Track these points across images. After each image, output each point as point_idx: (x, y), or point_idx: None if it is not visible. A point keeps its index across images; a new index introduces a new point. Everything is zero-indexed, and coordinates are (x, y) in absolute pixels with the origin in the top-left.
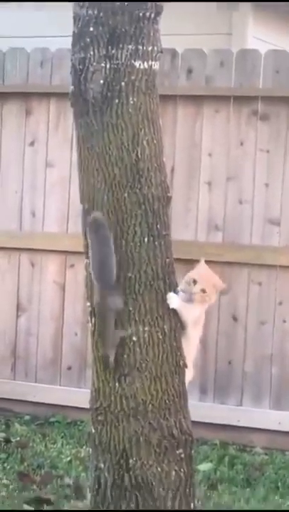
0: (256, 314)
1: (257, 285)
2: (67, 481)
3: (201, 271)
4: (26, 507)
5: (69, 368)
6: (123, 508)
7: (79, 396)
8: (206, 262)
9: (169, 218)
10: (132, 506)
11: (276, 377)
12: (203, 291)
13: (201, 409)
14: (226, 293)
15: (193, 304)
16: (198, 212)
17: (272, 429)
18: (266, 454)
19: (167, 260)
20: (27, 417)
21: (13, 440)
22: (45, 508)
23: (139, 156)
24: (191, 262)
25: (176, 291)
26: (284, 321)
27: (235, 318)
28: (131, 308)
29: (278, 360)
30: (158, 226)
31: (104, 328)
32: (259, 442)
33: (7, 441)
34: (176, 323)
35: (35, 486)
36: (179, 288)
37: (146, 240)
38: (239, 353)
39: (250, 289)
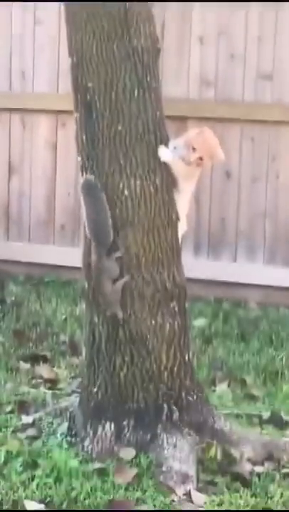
0: (249, 171)
1: (250, 141)
2: (63, 338)
3: (204, 139)
4: (22, 364)
5: (62, 228)
6: (118, 361)
7: (73, 255)
8: (198, 118)
9: (159, 71)
10: (127, 359)
11: (270, 234)
12: (200, 159)
13: (195, 266)
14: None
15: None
16: (190, 68)
17: (266, 285)
18: (260, 309)
19: (158, 113)
20: (21, 278)
21: (8, 300)
22: (41, 364)
23: (127, 7)
24: (183, 119)
25: (167, 145)
26: (277, 177)
27: (228, 175)
28: (122, 162)
29: (272, 216)
30: (148, 79)
31: (103, 288)
32: (253, 298)
33: (2, 301)
34: (168, 176)
35: (31, 344)
36: (173, 144)
37: (136, 92)
38: (232, 210)
39: (243, 145)
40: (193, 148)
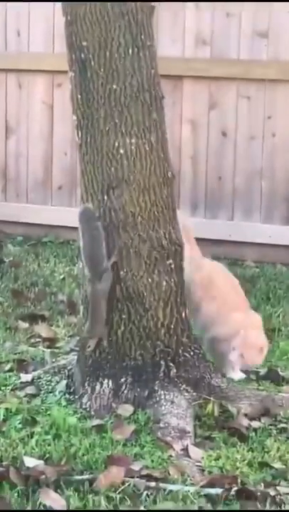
0: (245, 129)
1: (246, 100)
2: (61, 297)
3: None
4: (21, 323)
5: (60, 188)
6: (115, 319)
7: (70, 216)
8: (194, 77)
9: (154, 29)
10: (124, 317)
11: (266, 192)
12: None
13: (192, 224)
14: (215, 108)
15: None
16: (186, 27)
17: (263, 243)
18: (257, 267)
19: (152, 71)
20: (19, 238)
21: (6, 260)
22: (40, 323)
23: None
24: (178, 78)
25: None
26: (273, 135)
27: (224, 134)
28: (117, 121)
29: (268, 174)
30: (142, 37)
31: (96, 312)
32: (250, 256)
33: (0, 261)
34: (164, 134)
35: (29, 303)
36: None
37: (130, 51)
38: (229, 169)
39: (239, 104)
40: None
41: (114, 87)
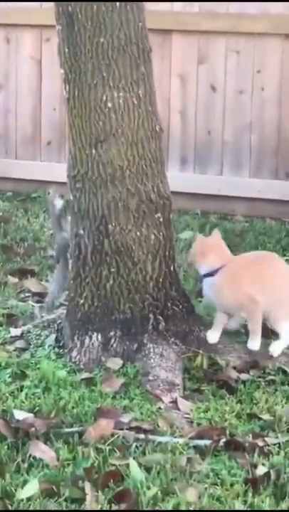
0: (235, 83)
1: (235, 53)
2: (50, 252)
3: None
4: (11, 278)
5: (49, 143)
6: (104, 273)
7: (60, 171)
8: (183, 32)
9: None
10: (113, 271)
11: (255, 146)
12: None
13: (182, 179)
14: (204, 62)
15: None
16: None
17: (252, 197)
18: (247, 222)
19: (140, 24)
20: (9, 194)
21: None
22: (29, 278)
23: None
24: (167, 32)
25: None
26: (262, 89)
27: (213, 88)
28: (105, 74)
29: (257, 128)
30: None
31: None
32: (240, 210)
33: None
34: (152, 88)
35: (18, 258)
36: None
37: (117, 4)
38: (218, 123)
39: (228, 58)
40: None
41: (102, 40)
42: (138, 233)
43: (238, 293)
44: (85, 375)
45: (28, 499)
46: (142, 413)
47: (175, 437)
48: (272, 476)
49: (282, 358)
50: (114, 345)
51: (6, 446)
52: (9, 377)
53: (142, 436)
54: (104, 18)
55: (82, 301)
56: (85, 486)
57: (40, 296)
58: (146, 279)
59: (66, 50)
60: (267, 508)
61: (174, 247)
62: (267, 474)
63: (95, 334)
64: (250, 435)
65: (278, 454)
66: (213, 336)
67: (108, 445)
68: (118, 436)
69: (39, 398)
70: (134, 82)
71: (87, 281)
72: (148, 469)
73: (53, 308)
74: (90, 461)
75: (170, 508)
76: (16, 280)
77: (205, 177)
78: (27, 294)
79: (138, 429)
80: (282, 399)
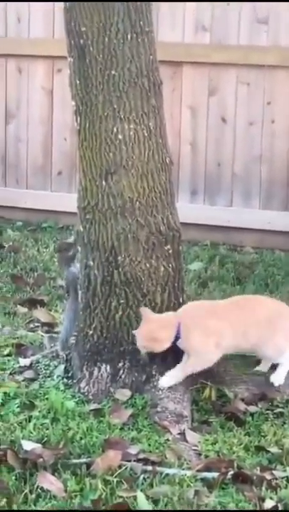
0: (245, 115)
1: (245, 85)
2: (60, 282)
3: None
4: (20, 308)
5: (59, 173)
6: (113, 304)
7: (70, 201)
8: (193, 63)
9: (153, 15)
10: (122, 302)
11: (265, 178)
12: None
13: (191, 210)
14: (214, 94)
15: None
16: (185, 12)
17: (262, 229)
18: (256, 253)
19: (151, 57)
20: (19, 223)
21: (5, 245)
22: (38, 308)
23: None
24: (178, 64)
25: (160, 90)
26: (272, 121)
27: (223, 120)
28: (116, 107)
29: (267, 160)
30: (141, 22)
31: None
32: (249, 242)
33: (0, 246)
34: (162, 120)
35: (28, 288)
36: None
37: (129, 36)
38: (228, 155)
39: (239, 89)
40: None
41: (113, 72)
42: (147, 265)
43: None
44: (94, 405)
45: None
46: (149, 445)
47: (183, 469)
48: (280, 510)
49: None
50: (123, 377)
51: (13, 477)
52: (18, 407)
53: (149, 468)
54: (115, 51)
55: (91, 332)
56: None
57: (49, 326)
58: (156, 310)
59: (77, 82)
60: None
61: (183, 279)
62: (275, 508)
63: (104, 365)
64: (258, 468)
65: (286, 487)
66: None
67: (116, 477)
68: (126, 468)
69: (47, 429)
70: (144, 115)
71: (96, 312)
72: (155, 501)
73: (67, 345)
74: (97, 493)
75: None
76: (26, 310)
77: (214, 208)
78: (36, 324)
79: (146, 461)
80: None
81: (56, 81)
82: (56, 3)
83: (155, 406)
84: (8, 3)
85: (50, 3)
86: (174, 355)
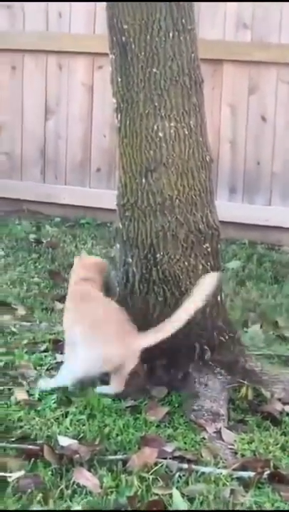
0: (285, 114)
1: (286, 84)
2: None
3: None
4: (58, 304)
5: (98, 170)
6: (151, 302)
7: (108, 197)
8: (234, 61)
9: (195, 13)
10: (160, 300)
11: None
12: None
13: (230, 209)
14: (254, 93)
15: None
16: (227, 10)
17: None
18: None
19: (192, 55)
20: (57, 219)
21: (44, 241)
22: None
23: None
24: (219, 62)
25: (201, 88)
26: None
27: (263, 118)
28: (156, 104)
29: None
30: (183, 20)
31: None
32: (287, 241)
33: (38, 242)
34: (203, 118)
35: (66, 284)
36: None
37: (171, 34)
38: (267, 153)
39: (279, 88)
40: None
41: (155, 70)
42: (186, 263)
43: None
44: (130, 402)
45: None
46: (185, 443)
47: (218, 468)
48: None
49: None
50: (160, 374)
51: (50, 472)
52: (54, 402)
53: (185, 466)
54: (157, 49)
55: None
56: None
57: None
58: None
59: (119, 79)
60: None
61: (222, 278)
62: None
63: (141, 362)
64: None
65: None
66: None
67: (151, 474)
68: (162, 465)
69: (84, 425)
70: (185, 113)
71: (134, 309)
72: (191, 500)
73: None
74: (133, 490)
75: None
76: (63, 306)
77: (253, 207)
78: None
79: (181, 459)
80: None
81: (96, 78)
82: (98, 4)
83: (191, 404)
84: None
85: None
86: (211, 352)
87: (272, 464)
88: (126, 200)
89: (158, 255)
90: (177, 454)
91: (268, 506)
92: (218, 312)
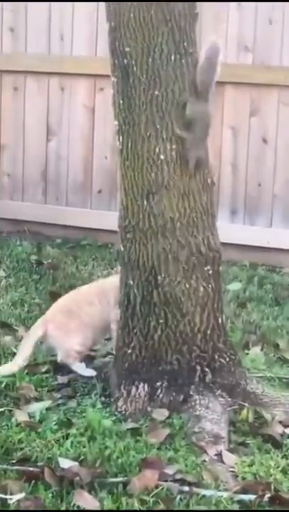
0: (286, 136)
1: (287, 106)
2: None
3: None
4: None
5: (99, 191)
6: (152, 323)
7: (110, 219)
8: (235, 84)
9: (196, 36)
10: (161, 322)
11: None
12: None
13: (231, 230)
14: (256, 115)
15: None
16: (228, 33)
17: None
18: None
19: (194, 78)
20: (58, 241)
21: (45, 262)
22: None
23: None
24: (220, 84)
25: None
26: None
27: (264, 140)
28: (158, 127)
29: None
30: (185, 44)
31: (205, 130)
32: (288, 263)
33: (39, 263)
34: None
35: None
36: None
37: (172, 57)
38: (269, 175)
39: (280, 110)
40: None
41: (156, 93)
42: (187, 285)
43: None
44: (131, 425)
45: None
46: (186, 465)
47: (219, 491)
48: None
49: None
50: (161, 396)
51: (50, 495)
52: (55, 424)
53: (186, 488)
54: (159, 72)
55: (129, 351)
56: None
57: None
58: (194, 330)
59: (121, 101)
60: None
61: (222, 299)
62: None
63: (142, 384)
64: None
65: None
66: None
67: (152, 496)
68: (162, 488)
69: (84, 447)
70: None
71: (135, 331)
72: None
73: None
74: None
75: None
76: None
77: (254, 229)
78: None
79: (182, 482)
80: None
81: (98, 99)
82: (100, 23)
83: (192, 426)
84: (52, 21)
85: (93, 23)
86: (212, 374)
87: (273, 487)
88: (127, 222)
89: (159, 277)
90: (178, 476)
91: None
92: (219, 335)
